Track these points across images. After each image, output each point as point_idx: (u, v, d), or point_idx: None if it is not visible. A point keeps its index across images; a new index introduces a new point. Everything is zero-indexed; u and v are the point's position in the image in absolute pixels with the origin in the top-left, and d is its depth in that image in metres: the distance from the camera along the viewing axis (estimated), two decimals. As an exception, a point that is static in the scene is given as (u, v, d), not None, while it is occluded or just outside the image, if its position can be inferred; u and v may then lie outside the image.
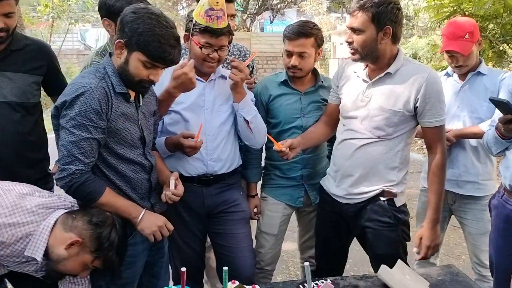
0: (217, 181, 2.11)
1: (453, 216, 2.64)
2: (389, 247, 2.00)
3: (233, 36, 2.12)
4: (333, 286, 1.58)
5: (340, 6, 19.68)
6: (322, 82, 2.36)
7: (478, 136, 2.30)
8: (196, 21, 1.93)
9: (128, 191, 1.77)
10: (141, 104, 1.80)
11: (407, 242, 2.08)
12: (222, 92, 2.13)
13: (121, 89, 1.69)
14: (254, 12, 19.52)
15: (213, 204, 2.13)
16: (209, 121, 2.06)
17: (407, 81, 1.93)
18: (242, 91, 2.08)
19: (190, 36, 2.00)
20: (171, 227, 1.79)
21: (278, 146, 2.02)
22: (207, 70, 2.06)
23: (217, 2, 1.87)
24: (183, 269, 1.51)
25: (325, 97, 2.31)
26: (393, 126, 1.97)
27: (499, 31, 5.80)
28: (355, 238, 2.23)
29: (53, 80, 2.18)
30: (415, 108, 1.93)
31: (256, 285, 1.61)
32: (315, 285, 1.58)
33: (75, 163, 1.60)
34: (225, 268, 1.51)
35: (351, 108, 2.06)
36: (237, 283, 1.59)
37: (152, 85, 1.82)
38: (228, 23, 1.98)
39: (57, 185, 1.66)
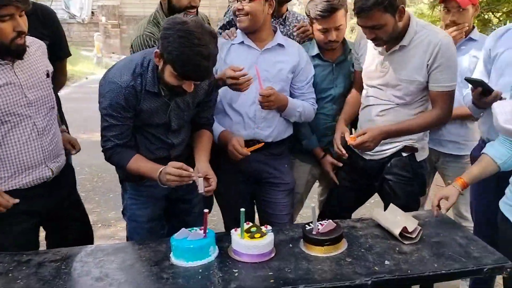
0: (263, 149, 2.22)
1: (437, 178, 2.88)
2: (404, 199, 2.20)
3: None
4: (335, 225, 1.80)
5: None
6: (351, 50, 2.42)
7: (465, 117, 2.48)
8: None
9: (146, 152, 1.98)
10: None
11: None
12: (277, 61, 2.22)
13: (152, 88, 1.85)
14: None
15: (259, 169, 2.31)
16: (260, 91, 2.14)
17: (421, 49, 2.03)
18: (280, 106, 2.19)
19: None
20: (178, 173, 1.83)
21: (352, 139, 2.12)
22: (239, 25, 2.16)
23: None
24: (206, 210, 1.72)
25: None
26: (411, 95, 2.10)
27: (484, 0, 5.98)
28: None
29: (58, 47, 2.30)
30: (429, 73, 2.05)
31: (268, 226, 1.82)
32: (319, 224, 1.80)
33: (108, 143, 1.92)
34: (242, 209, 1.72)
35: (370, 77, 2.19)
36: (251, 223, 1.79)
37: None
38: None
39: None
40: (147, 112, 1.90)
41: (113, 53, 17.31)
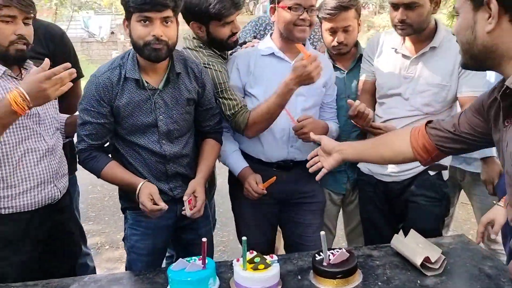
0: (297, 167, 2.07)
1: (461, 193, 2.69)
2: (431, 222, 2.03)
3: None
4: (348, 255, 1.63)
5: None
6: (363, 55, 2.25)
7: None
8: None
9: (143, 172, 1.86)
10: (159, 89, 1.80)
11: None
12: None
13: (132, 74, 1.75)
14: (257, -5, 19.40)
15: (291, 190, 2.12)
16: (293, 105, 1.99)
17: (451, 53, 1.89)
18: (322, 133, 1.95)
19: (276, 6, 1.95)
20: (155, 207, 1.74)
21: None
22: (300, 36, 1.94)
23: None
24: (204, 239, 1.57)
25: None
26: (442, 102, 1.93)
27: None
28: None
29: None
30: (459, 78, 1.90)
31: (273, 255, 1.66)
32: (330, 254, 1.63)
33: (81, 143, 1.82)
34: (244, 238, 1.57)
35: (392, 85, 2.00)
36: (255, 253, 1.64)
37: (192, 74, 1.84)
38: None
39: None
40: (129, 106, 1.77)
41: (131, 70, 17.49)
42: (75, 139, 2.01)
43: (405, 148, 1.51)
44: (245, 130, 1.99)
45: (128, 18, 1.71)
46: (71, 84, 1.63)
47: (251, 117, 1.95)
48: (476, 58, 1.12)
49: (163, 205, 1.73)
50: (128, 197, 1.90)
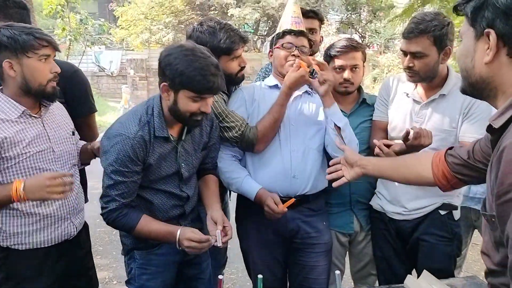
0: (301, 203, 2.07)
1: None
2: (442, 261, 2.02)
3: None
4: (363, 295, 1.64)
5: (349, 27, 19.94)
6: (366, 99, 2.31)
7: None
8: (280, 32, 2.09)
9: (159, 216, 1.86)
10: (183, 139, 1.85)
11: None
12: (309, 107, 2.15)
13: (161, 133, 1.77)
14: (265, 34, 19.84)
15: (296, 228, 2.11)
16: (294, 136, 2.08)
17: (459, 99, 1.93)
18: (331, 95, 2.03)
19: (272, 50, 2.13)
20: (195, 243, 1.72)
21: None
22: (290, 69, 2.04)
23: (294, 11, 2.13)
24: (220, 276, 1.59)
25: (371, 117, 2.27)
26: (450, 146, 1.93)
27: None
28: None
29: (77, 104, 2.17)
30: (462, 122, 1.93)
31: (288, 294, 1.67)
32: (345, 294, 1.63)
33: (112, 203, 1.76)
34: (260, 276, 1.59)
35: (402, 129, 2.01)
36: (270, 291, 1.65)
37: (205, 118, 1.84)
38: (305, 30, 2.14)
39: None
40: (157, 161, 1.80)
41: (139, 104, 17.74)
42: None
43: (427, 174, 1.53)
44: (257, 145, 2.04)
45: (173, 88, 1.69)
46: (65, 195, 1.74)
47: (260, 130, 2.02)
48: (473, 87, 1.13)
49: (211, 239, 1.74)
50: (134, 237, 1.86)
